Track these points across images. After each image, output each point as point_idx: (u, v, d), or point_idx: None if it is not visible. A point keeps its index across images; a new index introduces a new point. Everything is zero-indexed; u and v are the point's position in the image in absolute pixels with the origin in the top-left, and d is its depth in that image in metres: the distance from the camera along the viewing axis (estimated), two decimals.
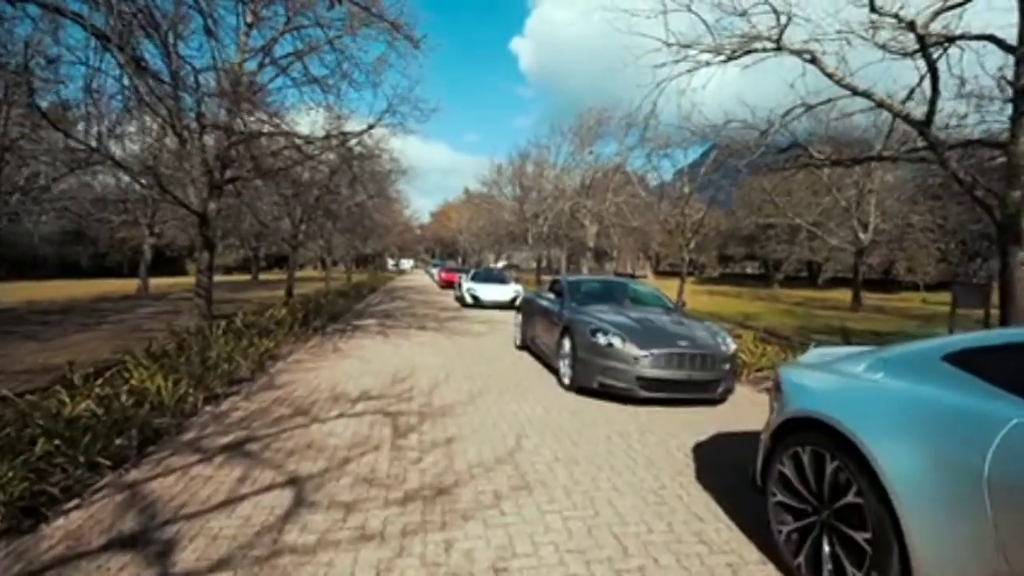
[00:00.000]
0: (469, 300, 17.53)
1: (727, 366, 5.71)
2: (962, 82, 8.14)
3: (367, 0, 8.28)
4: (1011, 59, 7.06)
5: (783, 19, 8.20)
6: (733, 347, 6.02)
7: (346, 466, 3.68)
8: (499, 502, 3.20)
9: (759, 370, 7.27)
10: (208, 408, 4.99)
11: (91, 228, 24.29)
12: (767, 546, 2.72)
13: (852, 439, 2.19)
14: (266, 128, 9.39)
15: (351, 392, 5.78)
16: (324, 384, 6.12)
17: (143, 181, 11.01)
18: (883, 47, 7.96)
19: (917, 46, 7.52)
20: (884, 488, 2.01)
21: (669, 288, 13.80)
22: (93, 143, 7.96)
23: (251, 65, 9.48)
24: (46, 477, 3.07)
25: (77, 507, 2.98)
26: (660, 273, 55.03)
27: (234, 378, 6.02)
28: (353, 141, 11.48)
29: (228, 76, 8.59)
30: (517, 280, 22.24)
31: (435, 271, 38.25)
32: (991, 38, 7.19)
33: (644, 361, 5.48)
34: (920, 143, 8.67)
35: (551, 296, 8.09)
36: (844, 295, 26.72)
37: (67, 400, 4.03)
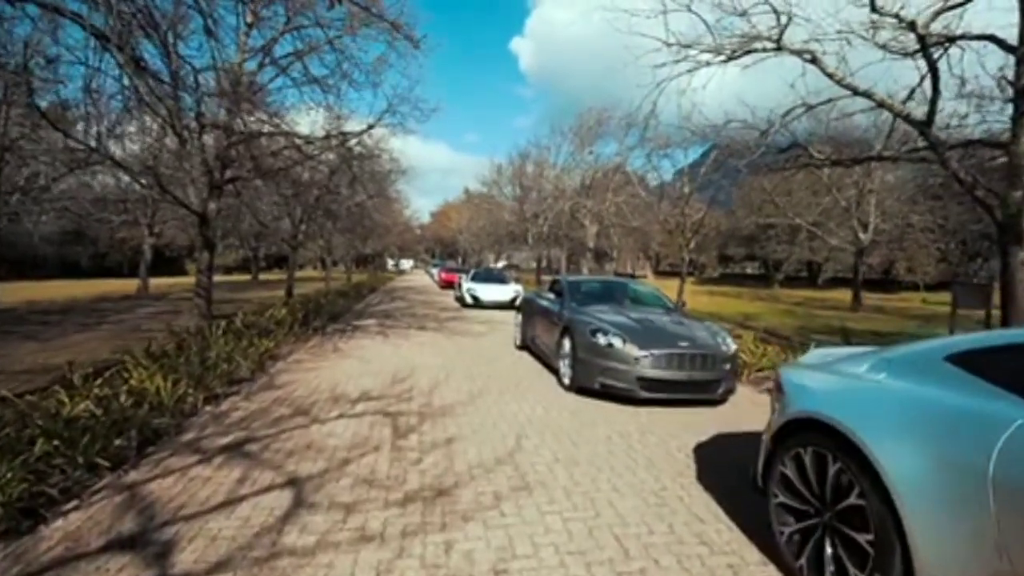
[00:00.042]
0: (469, 300, 17.52)
1: (728, 366, 5.70)
2: (963, 82, 8.13)
3: (367, 0, 8.28)
4: (1011, 59, 7.06)
5: (783, 19, 8.20)
6: (733, 347, 6.01)
7: (346, 467, 3.67)
8: (499, 503, 3.19)
9: (759, 370, 7.26)
10: (208, 408, 4.98)
11: (91, 228, 24.29)
12: (768, 547, 2.71)
13: (854, 440, 2.18)
14: (266, 128, 9.39)
15: (351, 392, 5.78)
16: (324, 384, 6.11)
17: (143, 181, 11.02)
18: (884, 47, 7.95)
19: (918, 46, 7.51)
20: (887, 489, 2.00)
21: (669, 288, 13.79)
22: (93, 143, 7.96)
23: (251, 65, 9.48)
24: (45, 478, 3.06)
25: (76, 508, 2.97)
26: (660, 273, 55.03)
27: (234, 378, 6.01)
28: (353, 141, 11.49)
29: (228, 76, 8.58)
30: (517, 280, 22.22)
31: (435, 271, 38.23)
32: (992, 38, 7.18)
33: (644, 361, 5.47)
34: (921, 143, 8.66)
35: (551, 296, 8.08)
36: (844, 295, 26.71)
37: (66, 400, 4.02)
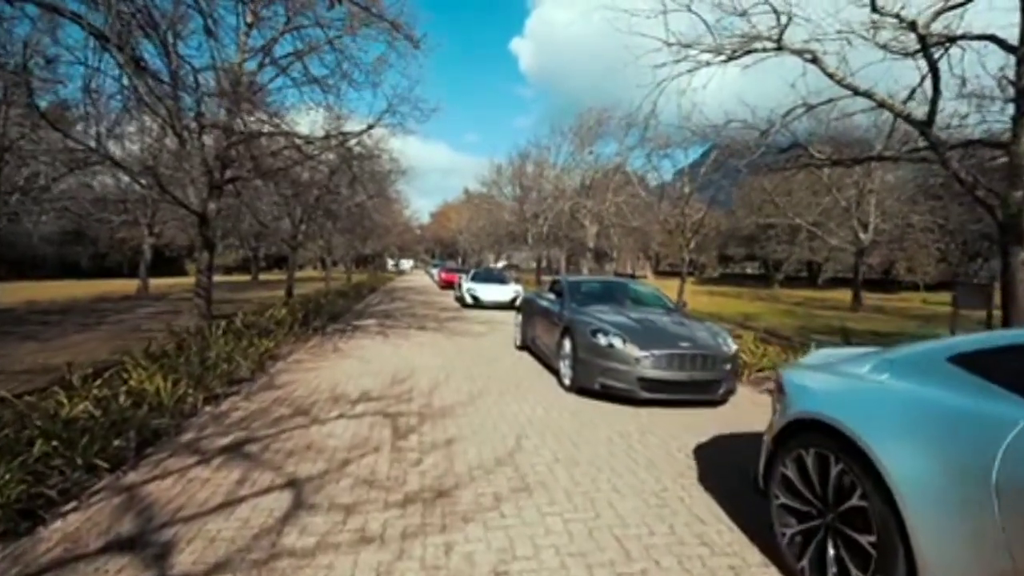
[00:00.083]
0: (469, 300, 17.51)
1: (728, 367, 5.69)
2: (963, 82, 8.12)
3: (367, 0, 8.27)
4: (1012, 59, 7.05)
5: (783, 19, 8.19)
6: (734, 348, 5.99)
7: (346, 468, 3.66)
8: (499, 504, 3.18)
9: (760, 370, 7.25)
10: (207, 409, 4.97)
11: (91, 228, 24.28)
12: (770, 548, 2.70)
13: (857, 441, 2.16)
14: (266, 128, 9.38)
15: (351, 393, 5.77)
16: (324, 384, 6.10)
17: (143, 181, 11.01)
18: (884, 47, 7.94)
19: (918, 46, 7.50)
20: (889, 490, 1.99)
21: (669, 288, 13.78)
22: (92, 143, 7.95)
23: (251, 65, 9.47)
24: (44, 479, 3.05)
25: (75, 509, 2.96)
26: (660, 273, 55.02)
27: (234, 378, 6.00)
28: (353, 141, 11.47)
29: (228, 76, 8.57)
30: (517, 280, 22.22)
31: (435, 271, 38.22)
32: (992, 38, 7.18)
33: (645, 362, 5.46)
34: (921, 143, 8.65)
35: (551, 296, 8.07)
36: (844, 295, 26.69)
37: (65, 401, 4.01)
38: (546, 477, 3.62)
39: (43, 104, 8.03)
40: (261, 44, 9.48)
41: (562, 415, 5.18)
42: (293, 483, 3.37)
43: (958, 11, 7.29)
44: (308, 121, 13.94)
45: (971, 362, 2.11)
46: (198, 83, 7.51)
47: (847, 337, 10.65)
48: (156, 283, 24.49)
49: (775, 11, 8.18)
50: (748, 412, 5.52)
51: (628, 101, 39.33)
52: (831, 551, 2.28)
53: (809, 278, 43.34)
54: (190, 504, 3.05)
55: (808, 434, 2.52)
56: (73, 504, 3.01)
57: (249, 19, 9.15)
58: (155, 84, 6.30)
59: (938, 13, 7.25)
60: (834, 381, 2.67)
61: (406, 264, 70.47)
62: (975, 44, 7.59)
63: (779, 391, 2.91)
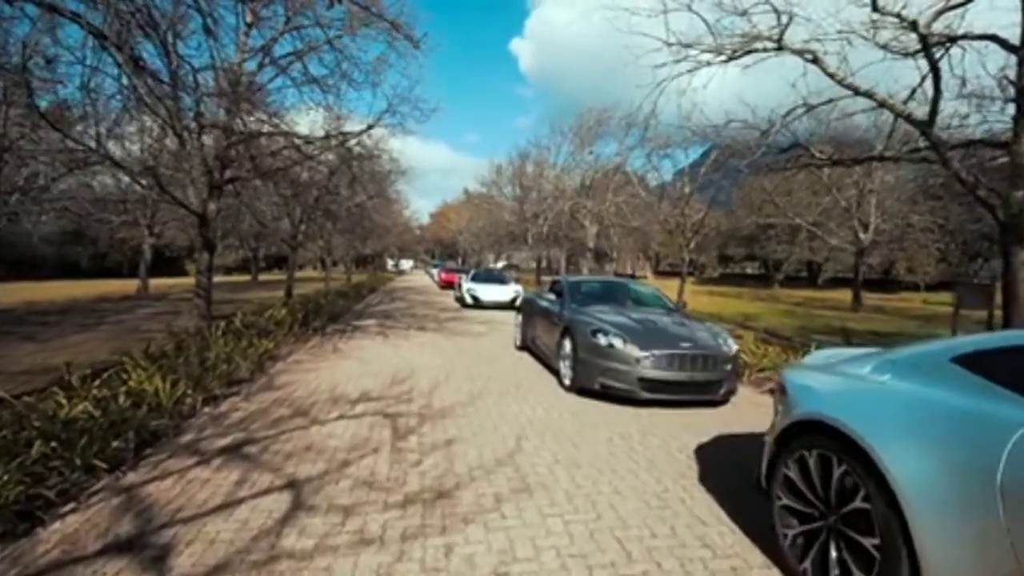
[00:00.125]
0: (469, 300, 17.50)
1: (729, 367, 5.68)
2: (964, 82, 8.11)
3: (367, 0, 8.26)
4: (1013, 59, 7.04)
5: (784, 19, 8.18)
6: (735, 348, 5.98)
7: (345, 469, 3.65)
8: (500, 505, 3.17)
9: (761, 371, 7.24)
10: (207, 409, 4.96)
11: (91, 228, 24.28)
12: (771, 550, 2.69)
13: (859, 442, 2.15)
14: (265, 128, 9.36)
15: (351, 393, 5.75)
16: (323, 385, 6.09)
17: (143, 181, 11.00)
18: (885, 47, 7.93)
19: (919, 46, 7.49)
20: (893, 492, 1.98)
21: (669, 288, 13.77)
22: (92, 143, 7.94)
23: (251, 65, 9.45)
24: (42, 480, 3.03)
25: (73, 511, 2.94)
26: (660, 273, 55.01)
27: (233, 379, 5.99)
28: (352, 141, 11.45)
29: (227, 76, 8.55)
30: (517, 280, 22.20)
31: (435, 272, 38.22)
32: (993, 38, 7.17)
33: (645, 362, 5.44)
34: (922, 143, 8.64)
35: (551, 297, 8.05)
36: (844, 295, 26.68)
37: (64, 402, 4.00)
38: (547, 478, 3.60)
39: (43, 104, 7.97)
40: (261, 44, 9.48)
41: (562, 416, 5.17)
42: (292, 484, 3.36)
43: (959, 11, 7.29)
44: (308, 121, 13.92)
45: (975, 363, 2.10)
46: (198, 83, 7.50)
47: (847, 337, 10.65)
48: (156, 283, 24.48)
49: (775, 11, 8.17)
50: (749, 412, 5.51)
51: (628, 101, 39.34)
52: (834, 553, 2.27)
53: (809, 278, 43.33)
54: (189, 505, 3.03)
55: (810, 435, 2.50)
56: (72, 505, 2.99)
57: (249, 19, 9.14)
58: (155, 84, 6.29)
59: (939, 13, 7.24)
60: (836, 382, 2.66)
61: (406, 264, 70.46)
62: (976, 44, 7.58)
63: (781, 392, 2.90)
